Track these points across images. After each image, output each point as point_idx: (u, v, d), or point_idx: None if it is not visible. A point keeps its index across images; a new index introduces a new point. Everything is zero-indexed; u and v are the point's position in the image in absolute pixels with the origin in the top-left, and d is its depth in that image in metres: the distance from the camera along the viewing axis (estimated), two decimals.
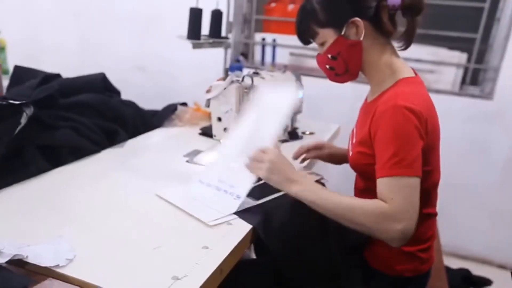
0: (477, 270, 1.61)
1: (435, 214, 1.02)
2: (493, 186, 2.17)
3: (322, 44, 1.01)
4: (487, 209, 2.21)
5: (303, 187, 0.89)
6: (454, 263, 2.08)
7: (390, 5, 0.93)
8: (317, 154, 1.23)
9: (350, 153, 1.04)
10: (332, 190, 0.90)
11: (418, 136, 0.83)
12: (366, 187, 1.01)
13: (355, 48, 0.96)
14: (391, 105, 0.85)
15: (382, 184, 0.83)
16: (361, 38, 0.95)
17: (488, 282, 1.52)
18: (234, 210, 0.92)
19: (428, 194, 0.94)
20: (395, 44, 1.00)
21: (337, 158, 1.24)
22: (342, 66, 1.00)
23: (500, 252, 2.23)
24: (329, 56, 1.00)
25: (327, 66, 1.03)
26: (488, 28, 2.13)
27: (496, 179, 2.16)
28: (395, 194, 0.81)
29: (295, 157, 1.22)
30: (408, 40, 0.98)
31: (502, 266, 2.23)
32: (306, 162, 1.25)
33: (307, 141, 1.25)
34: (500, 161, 2.13)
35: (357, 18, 0.94)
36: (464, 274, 1.54)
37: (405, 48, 1.00)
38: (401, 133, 0.83)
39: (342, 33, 0.96)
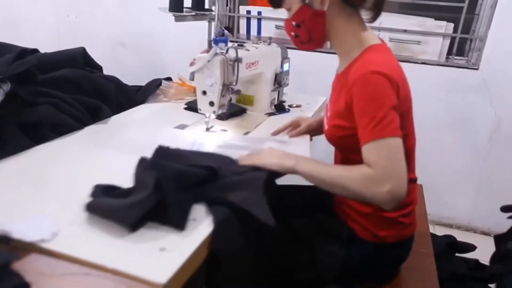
0: (461, 237, 1.65)
1: (414, 179, 1.03)
2: (478, 155, 2.21)
3: (289, 10, 1.01)
4: (472, 178, 2.25)
5: (297, 161, 0.91)
6: (439, 231, 2.13)
7: None
8: (297, 132, 1.26)
9: (326, 127, 1.04)
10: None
11: (391, 98, 0.83)
12: (344, 159, 1.02)
13: (319, 18, 0.96)
14: (363, 73, 0.85)
15: (365, 150, 0.84)
16: (325, 8, 0.95)
17: (472, 247, 1.56)
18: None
19: (405, 159, 0.95)
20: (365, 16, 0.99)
21: (315, 129, 1.26)
22: (306, 35, 1.01)
23: (483, 220, 2.29)
24: (294, 23, 1.01)
25: (292, 33, 1.05)
26: None
27: (481, 148, 2.19)
28: (377, 157, 0.81)
29: (274, 135, 1.28)
30: (376, 11, 0.97)
31: (485, 233, 2.30)
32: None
33: (293, 114, 1.31)
34: (486, 130, 2.15)
35: None
36: (449, 240, 1.57)
37: (373, 20, 0.99)
38: (374, 97, 0.83)
39: (307, 1, 0.96)
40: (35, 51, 1.38)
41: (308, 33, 1.00)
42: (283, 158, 0.93)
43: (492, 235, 1.46)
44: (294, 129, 1.28)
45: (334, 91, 1.05)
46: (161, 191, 0.75)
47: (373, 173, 0.81)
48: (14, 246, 0.67)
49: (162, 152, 0.87)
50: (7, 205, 0.79)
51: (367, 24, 1.00)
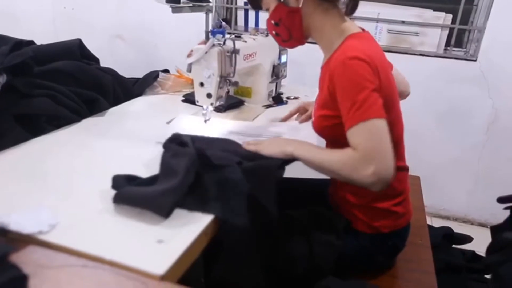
0: (458, 229, 1.66)
1: (404, 167, 1.03)
2: (476, 147, 2.21)
3: (268, 10, 1.03)
4: (469, 170, 2.26)
5: (296, 146, 0.93)
6: (436, 223, 2.14)
7: None
8: (306, 117, 1.28)
9: (313, 119, 1.05)
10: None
11: (372, 80, 0.83)
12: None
13: (294, 14, 0.98)
14: (342, 59, 0.86)
15: (349, 134, 0.84)
16: (300, 5, 0.96)
17: (469, 239, 1.57)
18: None
19: (393, 147, 0.95)
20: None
21: None
22: (285, 33, 1.03)
23: (480, 212, 2.30)
24: (273, 22, 1.03)
25: (274, 32, 1.06)
26: None
27: (478, 140, 2.19)
28: (360, 139, 0.82)
29: (283, 120, 1.32)
30: (353, 3, 0.98)
31: (482, 225, 2.31)
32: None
33: (291, 106, 1.36)
34: (483, 122, 2.16)
35: None
36: (446, 231, 1.58)
37: (351, 13, 0.99)
38: (355, 82, 0.83)
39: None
40: (31, 42, 1.37)
41: (287, 31, 1.02)
42: (283, 145, 0.95)
43: (489, 227, 1.47)
44: (301, 114, 1.30)
45: (319, 83, 1.06)
46: (196, 180, 0.77)
47: (357, 155, 0.81)
48: (11, 238, 0.67)
49: (189, 139, 0.89)
50: (4, 198, 0.79)
51: (349, 17, 1.00)
